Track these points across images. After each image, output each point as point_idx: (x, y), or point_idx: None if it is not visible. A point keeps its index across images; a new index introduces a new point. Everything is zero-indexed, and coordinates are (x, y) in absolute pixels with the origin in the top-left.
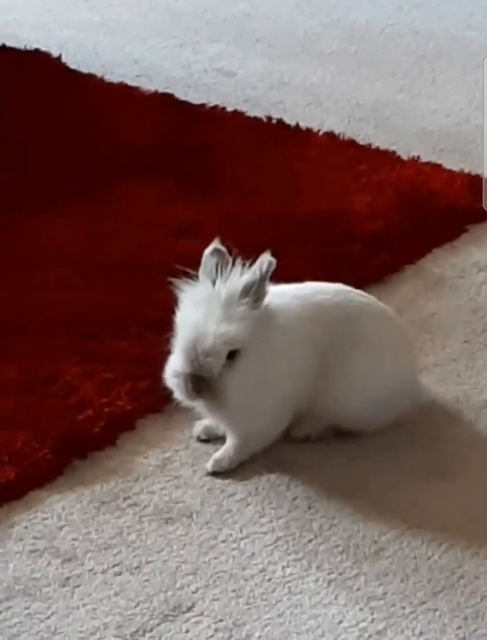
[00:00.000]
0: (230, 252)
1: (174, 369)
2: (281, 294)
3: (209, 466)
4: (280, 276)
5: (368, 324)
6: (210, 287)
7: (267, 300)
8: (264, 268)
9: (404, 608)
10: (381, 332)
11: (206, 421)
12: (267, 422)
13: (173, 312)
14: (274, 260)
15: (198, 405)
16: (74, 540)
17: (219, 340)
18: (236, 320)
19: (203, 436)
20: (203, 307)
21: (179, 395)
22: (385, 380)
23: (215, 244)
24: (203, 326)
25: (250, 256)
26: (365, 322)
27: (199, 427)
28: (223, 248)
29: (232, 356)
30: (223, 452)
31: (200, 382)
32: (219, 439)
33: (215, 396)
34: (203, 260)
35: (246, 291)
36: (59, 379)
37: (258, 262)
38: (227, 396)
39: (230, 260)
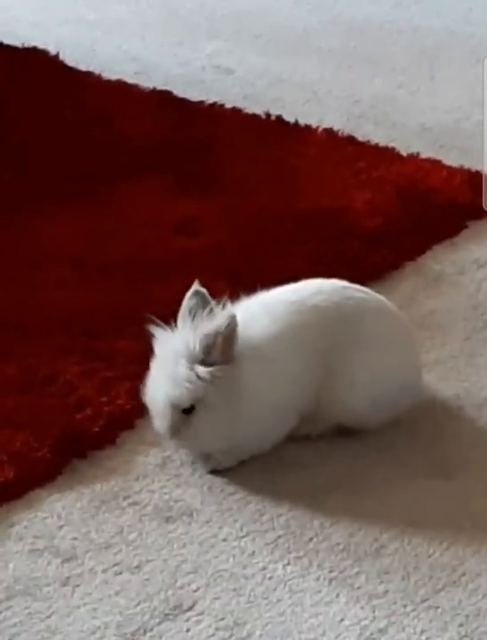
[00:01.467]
0: (214, 294)
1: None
2: (273, 304)
3: (207, 464)
4: (280, 272)
5: (368, 322)
6: (170, 342)
7: (248, 319)
8: (224, 328)
9: (406, 606)
10: (381, 330)
11: None
12: (263, 427)
13: (173, 311)
14: (235, 316)
15: None
16: (74, 539)
17: (166, 403)
18: (186, 380)
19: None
20: (160, 363)
21: None
22: (387, 379)
23: (196, 286)
24: (154, 387)
25: (250, 254)
26: (365, 320)
27: None
28: (203, 290)
29: (189, 410)
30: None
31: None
32: None
33: (181, 442)
34: (184, 302)
35: (207, 350)
36: (59, 378)
37: (219, 317)
38: (191, 445)
39: (211, 302)
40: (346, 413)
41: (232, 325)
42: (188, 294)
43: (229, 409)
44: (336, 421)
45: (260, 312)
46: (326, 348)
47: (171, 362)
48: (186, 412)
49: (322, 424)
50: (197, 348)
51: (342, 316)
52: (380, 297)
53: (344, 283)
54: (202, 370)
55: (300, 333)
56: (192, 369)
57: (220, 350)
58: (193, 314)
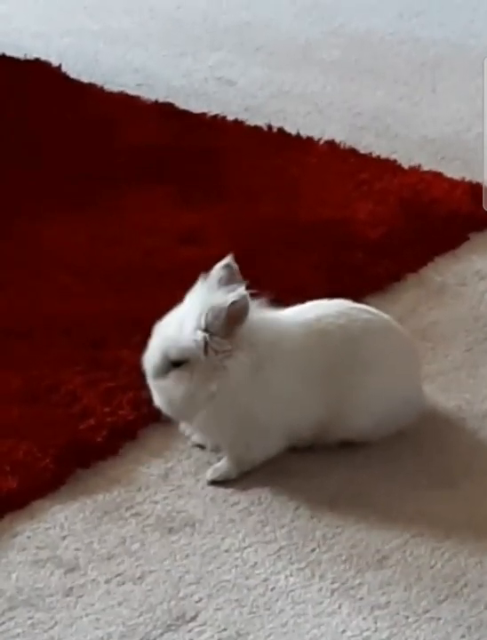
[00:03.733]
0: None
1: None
2: (281, 325)
3: (208, 475)
4: (282, 282)
5: (372, 344)
6: (195, 296)
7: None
8: (229, 305)
9: (408, 617)
10: (386, 351)
11: None
12: (260, 438)
13: None
14: (246, 296)
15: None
16: (76, 549)
17: (160, 343)
18: (185, 335)
19: (201, 442)
20: (180, 309)
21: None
22: (390, 398)
23: (228, 259)
24: (164, 324)
25: (253, 263)
26: (369, 342)
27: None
28: (234, 265)
29: (177, 364)
30: (224, 461)
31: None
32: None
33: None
34: (214, 269)
35: (211, 322)
36: (62, 387)
37: (232, 295)
38: (161, 397)
39: (239, 279)
40: (349, 430)
41: (240, 304)
42: (219, 265)
43: (208, 387)
44: (339, 438)
45: (269, 330)
46: (330, 367)
47: (186, 313)
48: (174, 366)
49: (325, 438)
50: (204, 317)
51: (348, 338)
52: (385, 316)
53: (350, 303)
54: (199, 334)
55: (308, 355)
56: (196, 329)
57: (222, 325)
58: (220, 283)
